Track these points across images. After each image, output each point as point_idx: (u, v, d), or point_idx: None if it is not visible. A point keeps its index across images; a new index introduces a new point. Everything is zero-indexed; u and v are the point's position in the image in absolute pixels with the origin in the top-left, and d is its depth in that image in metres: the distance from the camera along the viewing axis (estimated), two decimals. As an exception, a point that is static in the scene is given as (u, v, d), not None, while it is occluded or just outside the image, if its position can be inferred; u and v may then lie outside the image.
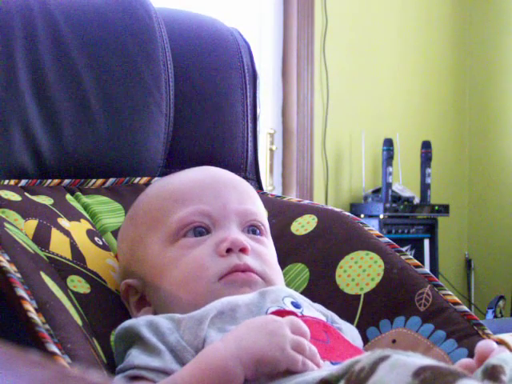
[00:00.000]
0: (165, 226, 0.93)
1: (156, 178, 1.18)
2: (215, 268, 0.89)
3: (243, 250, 0.91)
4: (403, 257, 1.04)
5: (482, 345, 0.79)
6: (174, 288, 0.90)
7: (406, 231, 3.21)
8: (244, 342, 0.75)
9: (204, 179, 0.97)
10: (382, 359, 0.63)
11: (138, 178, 1.18)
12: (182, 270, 0.90)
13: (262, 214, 0.98)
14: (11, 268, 0.82)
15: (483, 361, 0.76)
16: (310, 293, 1.02)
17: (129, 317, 0.93)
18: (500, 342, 0.88)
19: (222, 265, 0.89)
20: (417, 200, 3.30)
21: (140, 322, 0.83)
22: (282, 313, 0.85)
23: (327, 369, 0.75)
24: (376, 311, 1.00)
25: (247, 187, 1.00)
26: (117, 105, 1.17)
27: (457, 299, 0.97)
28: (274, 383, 0.74)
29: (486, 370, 0.73)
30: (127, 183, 1.17)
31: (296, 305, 0.88)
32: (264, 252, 0.94)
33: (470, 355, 0.88)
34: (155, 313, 0.91)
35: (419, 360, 0.63)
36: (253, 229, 0.95)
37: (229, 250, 0.90)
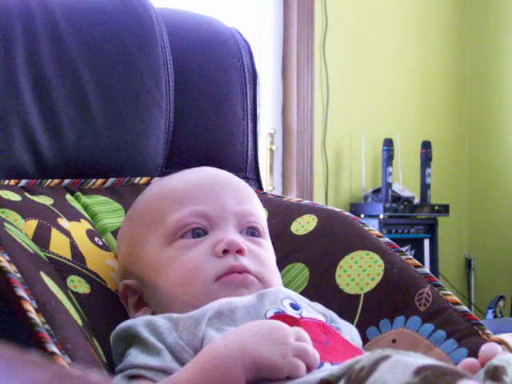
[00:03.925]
0: (162, 227, 0.93)
1: (156, 178, 1.18)
2: (211, 269, 0.89)
3: (240, 252, 0.90)
4: (403, 257, 1.04)
5: (486, 347, 0.79)
6: (170, 288, 0.90)
7: (406, 231, 3.21)
8: (247, 344, 0.74)
9: (202, 180, 0.97)
10: (383, 359, 0.63)
11: (138, 178, 1.18)
12: (178, 271, 0.90)
13: (260, 216, 0.98)
14: (11, 268, 0.82)
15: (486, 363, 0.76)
16: (310, 293, 1.02)
17: (129, 317, 0.93)
18: (500, 342, 0.88)
19: (219, 266, 0.89)
20: (417, 200, 3.30)
21: (138, 322, 0.83)
22: (281, 317, 0.85)
23: (328, 368, 0.75)
24: (376, 311, 1.00)
25: (246, 188, 1.00)
26: (117, 105, 1.17)
27: (457, 299, 0.97)
28: (275, 383, 0.74)
29: (488, 371, 0.73)
30: (127, 183, 1.17)
31: (295, 306, 0.88)
32: (261, 253, 0.93)
33: (470, 355, 0.88)
34: (153, 313, 0.90)
35: (420, 360, 0.63)
36: (251, 230, 0.95)
37: (225, 251, 0.90)
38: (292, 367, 0.74)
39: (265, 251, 0.95)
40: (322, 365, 0.77)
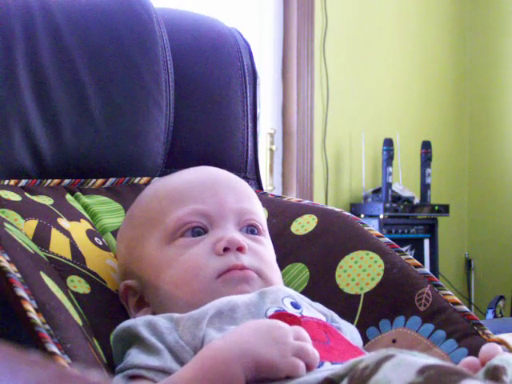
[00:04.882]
0: (162, 226, 0.93)
1: (156, 178, 1.19)
2: (212, 266, 0.89)
3: (240, 249, 0.91)
4: (403, 257, 1.04)
5: (487, 348, 0.79)
6: (171, 288, 0.90)
7: (406, 231, 3.20)
8: (246, 344, 0.74)
9: (201, 179, 0.97)
10: (387, 358, 0.63)
11: (138, 178, 1.18)
12: (179, 270, 0.90)
13: (259, 214, 0.98)
14: (11, 268, 0.82)
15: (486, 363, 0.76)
16: (310, 293, 1.02)
17: (129, 317, 0.93)
18: (500, 342, 0.88)
19: (220, 263, 0.89)
20: (417, 200, 3.30)
21: (138, 322, 0.83)
22: (282, 315, 0.85)
23: (328, 368, 0.75)
24: (376, 311, 1.00)
25: (245, 187, 1.00)
26: (117, 105, 1.17)
27: (457, 299, 0.97)
28: (276, 383, 0.74)
29: (487, 371, 0.73)
30: (127, 183, 1.17)
31: (295, 305, 0.88)
32: (261, 251, 0.94)
33: (470, 355, 0.87)
34: (154, 313, 0.90)
35: (424, 359, 0.63)
36: (250, 228, 0.95)
37: (226, 249, 0.90)
38: (291, 367, 0.74)
39: (265, 249, 0.95)
40: (322, 364, 0.77)
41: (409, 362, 0.62)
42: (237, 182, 1.00)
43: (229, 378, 0.73)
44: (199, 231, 0.92)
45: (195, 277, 0.89)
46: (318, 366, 0.76)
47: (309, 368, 0.75)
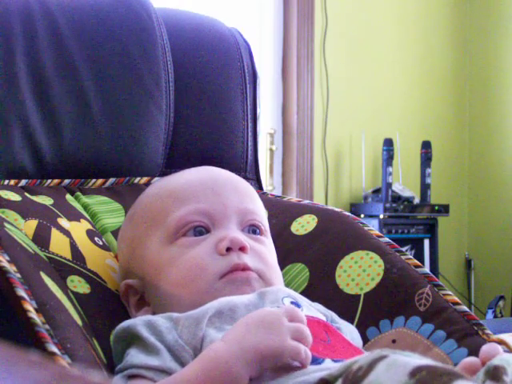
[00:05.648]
0: (164, 226, 0.93)
1: (156, 178, 1.19)
2: (215, 267, 0.89)
3: (242, 249, 0.91)
4: (403, 257, 1.04)
5: (487, 348, 0.79)
6: (173, 288, 0.90)
7: (406, 231, 3.20)
8: (246, 341, 0.75)
9: (204, 179, 0.97)
10: (380, 359, 0.63)
11: (138, 178, 1.18)
12: (181, 270, 0.90)
13: (261, 214, 0.98)
14: (11, 268, 0.82)
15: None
16: (310, 293, 1.02)
17: (129, 317, 0.93)
18: (500, 342, 0.88)
19: (222, 264, 0.89)
20: (417, 200, 3.30)
21: (138, 321, 0.83)
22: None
23: (327, 367, 0.75)
24: (376, 311, 1.00)
25: (247, 187, 1.00)
26: (117, 105, 1.17)
27: (457, 299, 0.97)
28: (275, 382, 0.74)
29: (488, 371, 0.73)
30: (127, 183, 1.17)
31: (296, 305, 0.89)
32: (263, 251, 0.94)
33: (470, 355, 0.87)
34: (154, 313, 0.90)
35: (417, 360, 0.63)
36: (253, 228, 0.95)
37: (228, 249, 0.90)
38: (293, 350, 0.74)
39: (266, 249, 0.95)
40: (323, 361, 0.77)
41: (401, 362, 0.62)
42: (238, 181, 1.00)
43: (232, 378, 0.73)
44: (201, 230, 0.92)
45: (198, 277, 0.89)
46: (319, 363, 0.77)
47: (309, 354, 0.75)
